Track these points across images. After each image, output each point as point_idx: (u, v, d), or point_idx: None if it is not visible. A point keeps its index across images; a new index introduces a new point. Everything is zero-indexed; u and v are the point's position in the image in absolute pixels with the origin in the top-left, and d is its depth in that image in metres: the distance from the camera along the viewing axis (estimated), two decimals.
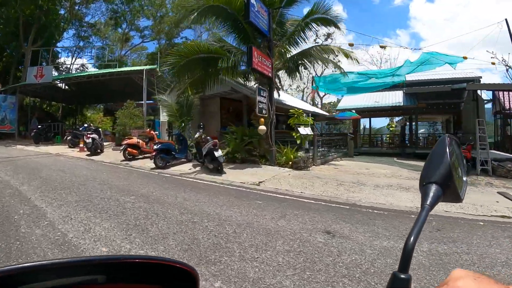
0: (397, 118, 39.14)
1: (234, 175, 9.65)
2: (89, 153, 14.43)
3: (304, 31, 13.60)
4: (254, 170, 10.53)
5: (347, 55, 13.60)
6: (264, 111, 11.46)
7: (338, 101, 45.48)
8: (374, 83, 20.42)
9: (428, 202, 0.59)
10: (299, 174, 10.07)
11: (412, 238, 0.53)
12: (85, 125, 18.22)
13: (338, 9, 70.52)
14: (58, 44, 32.87)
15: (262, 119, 11.44)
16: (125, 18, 36.32)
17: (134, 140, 12.83)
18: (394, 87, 22.10)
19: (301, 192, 7.46)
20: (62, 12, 30.35)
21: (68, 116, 30.07)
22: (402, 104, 22.92)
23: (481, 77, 24.23)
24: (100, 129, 16.16)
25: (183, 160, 12.25)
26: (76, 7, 33.86)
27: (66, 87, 27.44)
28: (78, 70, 32.39)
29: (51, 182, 7.64)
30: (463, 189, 0.66)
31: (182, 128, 14.13)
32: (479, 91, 19.68)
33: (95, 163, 12.21)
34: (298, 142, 12.61)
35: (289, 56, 14.06)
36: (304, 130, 12.49)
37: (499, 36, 20.93)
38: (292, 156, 11.70)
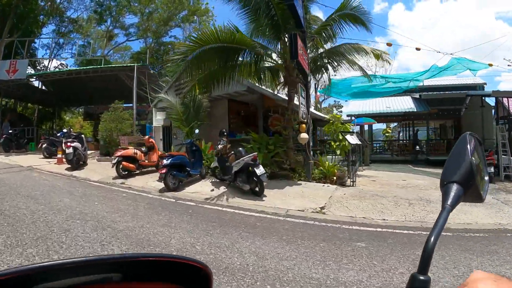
0: (393, 124, 37.74)
1: (278, 198, 7.23)
2: (69, 166, 11.36)
3: (332, 28, 11.28)
4: (296, 190, 8.30)
5: (378, 56, 11.40)
6: (304, 115, 9.02)
7: (337, 105, 43.53)
8: (390, 87, 18.85)
9: (449, 202, 0.56)
10: (354, 193, 8.18)
11: (432, 239, 0.51)
12: (64, 130, 15.06)
13: (320, 14, 70.31)
14: (36, 41, 29.17)
15: (304, 125, 9.26)
16: (110, 13, 32.97)
17: (130, 151, 9.93)
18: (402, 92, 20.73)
19: (384, 220, 5.92)
20: (42, 3, 26.81)
21: (44, 120, 26.39)
22: (415, 110, 21.34)
23: (485, 83, 23.50)
24: (83, 136, 13.08)
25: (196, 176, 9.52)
26: (58, 0, 30.37)
27: (43, 86, 24.05)
28: (57, 69, 28.79)
29: (16, 225, 4.73)
30: (485, 189, 0.63)
31: (192, 135, 11.34)
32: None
33: (80, 182, 9.23)
34: (338, 153, 10.27)
35: (316, 53, 11.73)
36: (353, 139, 10.12)
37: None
38: (333, 169, 9.33)
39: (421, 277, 0.48)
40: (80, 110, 31.68)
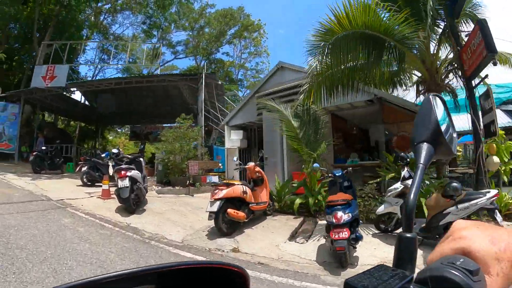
0: None
1: None
2: (121, 205, 7.04)
3: None
4: None
5: None
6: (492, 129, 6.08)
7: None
8: None
9: (422, 161, 0.56)
10: None
11: (411, 198, 0.52)
12: (115, 150, 10.93)
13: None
14: (80, 56, 26.22)
15: (494, 145, 6.59)
16: (159, 27, 29.86)
17: (238, 189, 5.43)
18: None
19: None
20: (87, 12, 24.04)
21: (86, 138, 22.89)
22: None
23: None
24: (142, 160, 8.80)
25: None
26: (102, 17, 27.75)
27: (86, 101, 20.65)
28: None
29: None
30: (454, 144, 0.63)
31: (318, 161, 6.76)
32: None
33: (151, 247, 4.79)
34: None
35: None
36: None
37: None
38: None
39: (408, 235, 0.48)
40: (123, 130, 28.34)
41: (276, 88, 10.84)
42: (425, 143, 0.58)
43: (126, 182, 6.74)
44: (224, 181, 5.95)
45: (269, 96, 10.11)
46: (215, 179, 11.80)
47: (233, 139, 12.84)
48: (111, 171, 9.95)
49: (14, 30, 21.20)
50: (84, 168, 10.58)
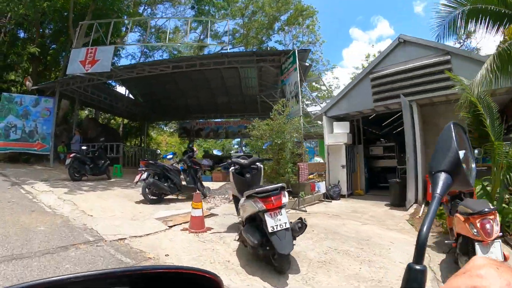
0: None
1: None
2: (237, 243, 3.51)
3: None
4: None
5: None
6: None
7: None
8: None
9: (438, 191, 0.54)
10: None
11: (425, 229, 0.49)
12: (190, 152, 7.27)
13: (385, 25, 58.45)
14: (120, 49, 22.93)
15: None
16: (207, 14, 26.08)
17: None
18: None
19: None
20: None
21: (128, 136, 19.48)
22: None
23: None
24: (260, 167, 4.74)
25: None
26: (141, 9, 24.28)
27: (129, 94, 17.12)
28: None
29: None
30: (472, 175, 0.61)
31: None
32: None
33: None
34: None
35: None
36: None
37: None
38: None
39: (417, 267, 0.46)
40: (167, 126, 24.87)
41: (398, 68, 7.82)
42: (443, 172, 0.55)
43: (284, 219, 2.75)
44: None
45: (387, 79, 7.95)
46: (322, 186, 8.49)
47: (337, 134, 8.91)
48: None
49: (49, 25, 18.09)
50: (144, 176, 6.72)
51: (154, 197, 6.69)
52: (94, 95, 14.54)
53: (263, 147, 7.87)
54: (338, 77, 55.50)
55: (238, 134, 19.58)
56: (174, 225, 5.06)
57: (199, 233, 4.64)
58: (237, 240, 4.04)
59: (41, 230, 4.34)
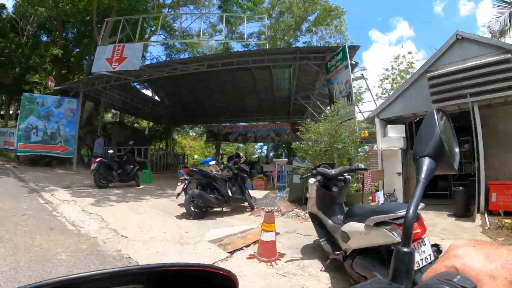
0: None
1: None
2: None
3: None
4: None
5: None
6: None
7: None
8: None
9: (423, 176, 0.54)
10: None
11: (411, 212, 0.50)
12: (236, 158, 5.95)
13: (404, 26, 57.19)
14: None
15: None
16: (228, 21, 25.08)
17: None
18: None
19: None
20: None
21: (153, 139, 18.45)
22: None
23: None
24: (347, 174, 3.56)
25: None
26: (164, 10, 23.36)
27: (155, 96, 16.08)
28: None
29: None
30: (456, 160, 0.61)
31: None
32: None
33: None
34: None
35: None
36: None
37: None
38: None
39: (405, 249, 0.46)
40: (191, 130, 23.77)
41: (457, 67, 6.81)
42: (427, 157, 0.55)
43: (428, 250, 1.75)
44: None
45: (445, 78, 6.85)
46: (381, 196, 6.75)
47: (392, 138, 7.59)
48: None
49: (72, 29, 17.36)
50: (183, 185, 5.42)
51: (197, 210, 5.36)
52: (120, 96, 13.50)
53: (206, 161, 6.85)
54: (367, 77, 53.62)
55: (267, 138, 18.27)
56: (235, 251, 3.72)
57: (272, 261, 3.35)
58: (325, 271, 3.16)
59: (62, 260, 3.07)
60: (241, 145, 27.48)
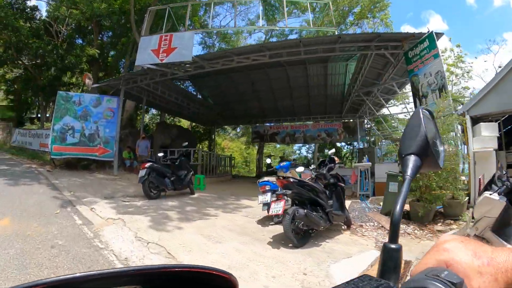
0: None
1: None
2: None
3: None
4: None
5: None
6: None
7: None
8: None
9: (409, 173, 0.54)
10: None
11: (397, 209, 0.49)
12: (330, 163, 4.20)
13: (437, 20, 54.33)
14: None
15: None
16: (269, 16, 23.43)
17: None
18: None
19: None
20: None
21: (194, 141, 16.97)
22: None
23: None
24: None
25: None
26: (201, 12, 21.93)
27: (198, 94, 14.48)
28: None
29: None
30: (441, 157, 0.60)
31: None
32: None
33: None
34: None
35: None
36: None
37: None
38: None
39: (392, 246, 0.46)
40: (230, 131, 22.19)
41: None
42: (412, 155, 0.55)
43: None
44: None
45: None
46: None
47: (485, 137, 6.51)
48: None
49: (108, 31, 16.23)
50: (283, 203, 3.54)
51: (298, 235, 3.51)
52: (165, 94, 11.96)
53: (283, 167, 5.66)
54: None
55: (317, 138, 16.16)
56: None
57: None
58: None
59: None
60: (277, 145, 25.41)
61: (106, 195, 5.92)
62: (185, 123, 16.88)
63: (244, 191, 8.73)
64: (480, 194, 3.55)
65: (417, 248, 3.83)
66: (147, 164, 6.06)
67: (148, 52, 9.07)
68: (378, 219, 5.22)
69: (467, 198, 5.57)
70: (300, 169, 4.75)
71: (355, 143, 18.06)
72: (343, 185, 4.70)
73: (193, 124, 16.45)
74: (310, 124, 16.17)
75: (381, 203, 6.49)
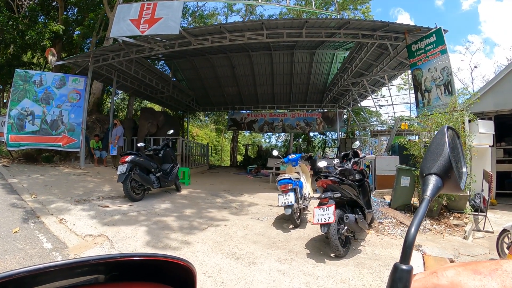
0: None
1: None
2: None
3: None
4: None
5: None
6: None
7: None
8: None
9: (428, 193, 0.51)
10: None
11: (413, 230, 0.46)
12: (354, 157, 3.64)
13: (405, 18, 54.31)
14: None
15: None
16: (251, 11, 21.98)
17: None
18: None
19: None
20: None
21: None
22: None
23: None
24: None
25: None
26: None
27: (173, 77, 12.97)
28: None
29: None
30: (463, 180, 0.57)
31: None
32: None
33: None
34: None
35: None
36: None
37: None
38: None
39: (403, 267, 0.43)
40: (202, 117, 20.76)
41: None
42: (434, 175, 0.52)
43: None
44: None
45: None
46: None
47: (482, 135, 6.63)
48: None
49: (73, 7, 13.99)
50: (333, 211, 2.62)
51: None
52: (138, 75, 10.39)
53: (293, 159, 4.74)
54: None
55: (296, 128, 15.46)
56: None
57: None
58: None
59: None
60: (246, 133, 24.26)
61: (77, 197, 4.64)
62: (158, 109, 15.26)
63: (233, 185, 7.76)
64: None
65: (446, 244, 3.52)
66: (128, 158, 4.81)
67: (127, 22, 7.57)
68: (393, 215, 4.83)
69: (468, 192, 5.44)
70: (323, 163, 3.90)
71: (330, 133, 17.68)
72: (368, 181, 4.06)
73: (165, 109, 14.85)
74: (289, 113, 15.39)
75: (385, 197, 6.09)
